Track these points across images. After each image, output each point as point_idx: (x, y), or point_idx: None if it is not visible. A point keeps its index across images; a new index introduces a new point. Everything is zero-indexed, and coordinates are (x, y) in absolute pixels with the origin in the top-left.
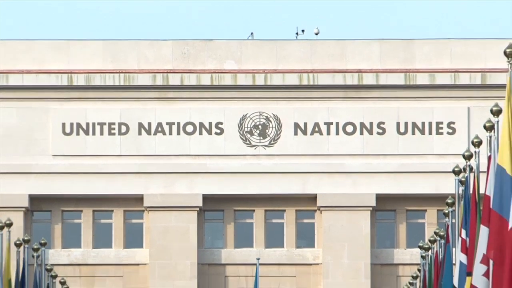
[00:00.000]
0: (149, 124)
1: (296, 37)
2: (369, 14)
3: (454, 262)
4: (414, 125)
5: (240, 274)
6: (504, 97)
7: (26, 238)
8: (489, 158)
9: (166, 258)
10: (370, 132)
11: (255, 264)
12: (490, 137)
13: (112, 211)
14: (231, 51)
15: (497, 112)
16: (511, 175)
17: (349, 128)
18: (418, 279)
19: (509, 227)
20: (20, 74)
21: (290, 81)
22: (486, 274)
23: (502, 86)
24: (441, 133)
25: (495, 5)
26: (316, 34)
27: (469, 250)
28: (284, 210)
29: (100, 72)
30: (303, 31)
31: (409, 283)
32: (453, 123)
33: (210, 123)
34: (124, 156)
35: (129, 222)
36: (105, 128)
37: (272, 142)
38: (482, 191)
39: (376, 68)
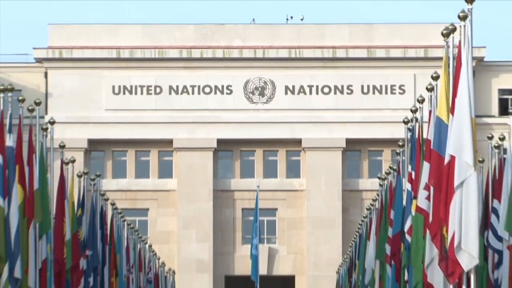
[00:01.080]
0: (177, 86)
1: (287, 21)
2: (341, 4)
3: (404, 189)
4: (374, 87)
5: (245, 198)
6: (441, 66)
7: (85, 171)
8: (430, 111)
9: (189, 186)
10: (342, 92)
11: (256, 190)
12: (431, 96)
13: (149, 151)
14: (238, 32)
15: (436, 78)
16: (446, 123)
17: (326, 89)
18: (377, 201)
19: (445, 163)
20: (81, 49)
21: (282, 55)
22: (428, 198)
23: (440, 58)
24: (394, 93)
25: None
26: (302, 19)
27: (414, 180)
28: (277, 150)
29: (140, 47)
30: (292, 17)
31: (371, 204)
32: (403, 86)
33: (223, 86)
34: (158, 110)
35: (162, 159)
36: (144, 89)
37: (268, 100)
38: (425, 136)
39: (346, 45)
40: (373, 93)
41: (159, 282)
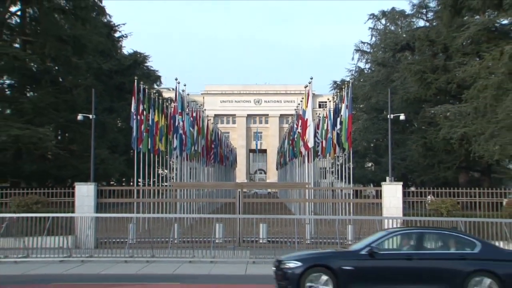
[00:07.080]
0: (236, 100)
1: (265, 83)
2: (286, 73)
3: (294, 126)
4: (287, 100)
5: (254, 128)
6: (304, 97)
7: (213, 122)
8: (302, 108)
9: (240, 126)
10: (279, 102)
11: (257, 127)
12: (301, 103)
13: (230, 117)
14: (254, 87)
15: (302, 100)
16: (305, 110)
17: (276, 102)
18: (287, 130)
19: (305, 120)
20: (212, 91)
21: (264, 93)
22: (301, 130)
23: (303, 94)
24: (292, 103)
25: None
26: (269, 82)
27: (297, 124)
28: (262, 117)
29: (226, 90)
30: (266, 82)
31: (286, 131)
32: (294, 100)
33: (248, 100)
34: (231, 107)
35: (234, 120)
36: (228, 102)
37: (260, 104)
38: (300, 113)
39: (281, 89)
40: (288, 102)
41: (232, 151)
